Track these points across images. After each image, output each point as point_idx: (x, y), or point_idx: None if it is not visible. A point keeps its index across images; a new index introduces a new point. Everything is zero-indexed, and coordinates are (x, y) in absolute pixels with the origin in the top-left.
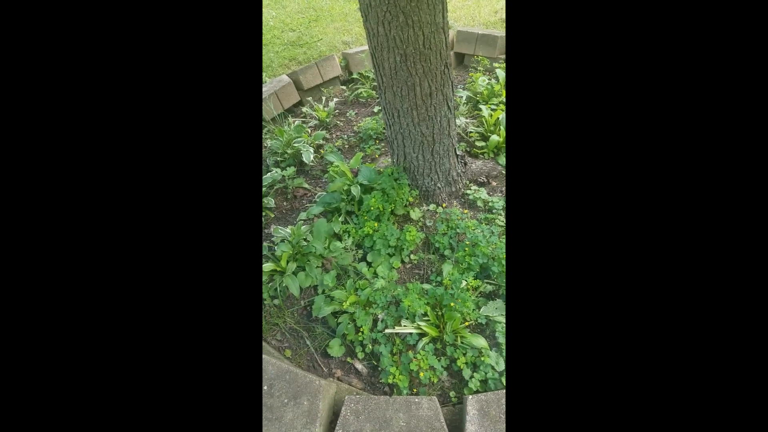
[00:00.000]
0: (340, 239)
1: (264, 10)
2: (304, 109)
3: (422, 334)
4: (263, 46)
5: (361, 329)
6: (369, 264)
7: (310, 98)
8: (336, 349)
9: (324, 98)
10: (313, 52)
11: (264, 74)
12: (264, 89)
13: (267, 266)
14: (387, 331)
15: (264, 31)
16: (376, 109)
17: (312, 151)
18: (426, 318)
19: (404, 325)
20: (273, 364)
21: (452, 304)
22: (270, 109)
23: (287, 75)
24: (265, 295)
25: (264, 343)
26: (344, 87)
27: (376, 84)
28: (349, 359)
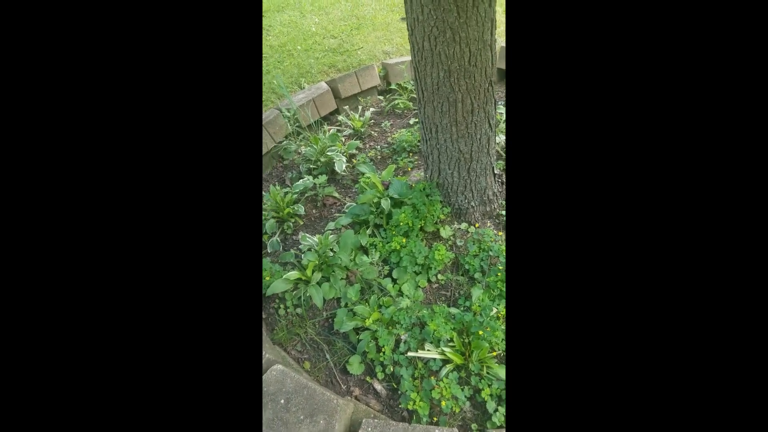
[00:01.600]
0: (366, 252)
1: (307, 15)
2: (339, 118)
3: (446, 361)
4: (305, 52)
5: (383, 349)
6: (394, 281)
7: (346, 107)
8: (355, 366)
9: (360, 107)
10: (353, 60)
11: (303, 80)
12: (302, 95)
13: (292, 274)
14: (410, 354)
15: (305, 37)
16: (411, 121)
17: (344, 160)
18: (451, 344)
19: (428, 350)
20: (292, 378)
21: (480, 332)
22: (307, 115)
23: (326, 82)
24: (288, 303)
25: (284, 353)
26: (381, 97)
27: (415, 96)
28: (368, 378)
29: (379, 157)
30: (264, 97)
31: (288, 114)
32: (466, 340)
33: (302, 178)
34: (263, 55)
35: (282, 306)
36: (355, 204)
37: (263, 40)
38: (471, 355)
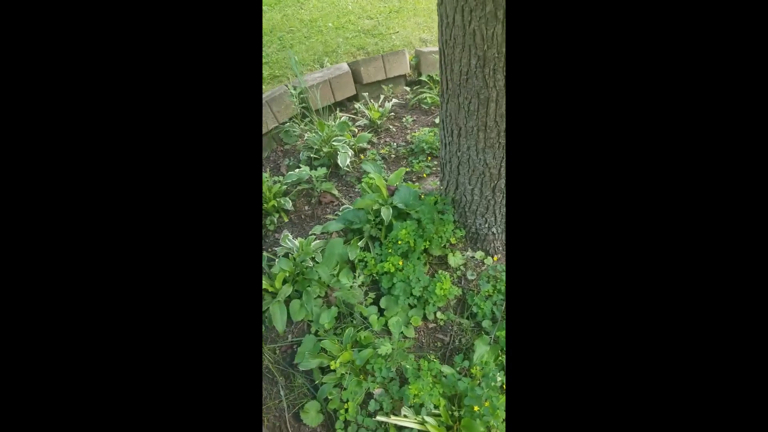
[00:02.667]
0: (354, 269)
1: None
2: (356, 105)
3: None
4: (335, 30)
5: (347, 405)
6: (381, 311)
7: (366, 94)
8: (312, 415)
9: (382, 97)
10: (386, 44)
11: (326, 59)
12: (318, 75)
13: None
14: (379, 418)
15: (339, 15)
16: (438, 120)
17: (351, 154)
18: (437, 413)
19: (405, 415)
20: None
21: (476, 408)
22: (315, 98)
23: (347, 64)
24: None
25: None
26: (408, 88)
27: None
28: None
29: (392, 156)
30: (279, 72)
31: (294, 92)
32: (456, 413)
33: (299, 167)
34: (291, 29)
35: None
36: (350, 208)
37: (296, 13)
38: None
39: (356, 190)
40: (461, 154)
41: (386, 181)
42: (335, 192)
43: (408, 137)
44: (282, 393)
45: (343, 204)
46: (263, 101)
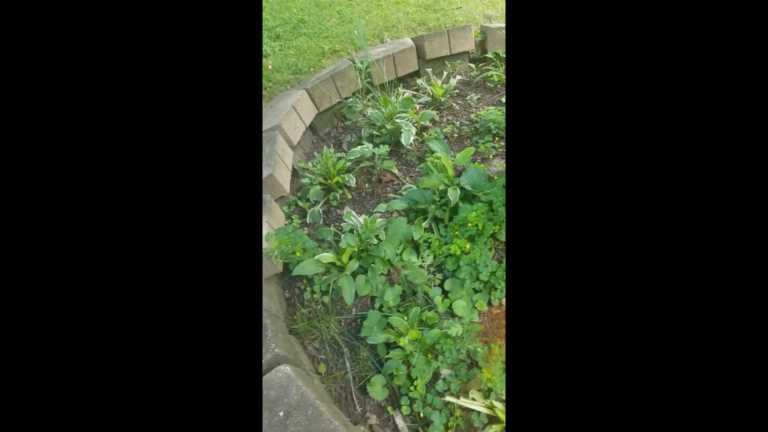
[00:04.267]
0: (417, 249)
1: None
2: (419, 81)
3: (494, 419)
4: (395, 4)
5: (416, 383)
6: (446, 293)
7: (429, 69)
8: (377, 389)
9: (445, 73)
10: (448, 20)
11: (386, 34)
12: (381, 49)
13: (326, 257)
14: (448, 398)
15: None
16: (504, 99)
17: (414, 132)
18: (505, 399)
19: (473, 398)
20: (298, 388)
21: None
22: (381, 72)
23: (411, 39)
24: (316, 288)
25: (298, 348)
26: (473, 65)
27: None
28: (390, 409)
29: (456, 135)
30: (340, 47)
31: (360, 66)
32: None
33: (361, 144)
34: (350, 3)
35: (309, 289)
36: (415, 187)
37: None
38: None
39: (416, 169)
40: None
41: (452, 160)
42: (396, 171)
43: (472, 116)
44: (348, 365)
45: (403, 183)
46: (328, 76)
